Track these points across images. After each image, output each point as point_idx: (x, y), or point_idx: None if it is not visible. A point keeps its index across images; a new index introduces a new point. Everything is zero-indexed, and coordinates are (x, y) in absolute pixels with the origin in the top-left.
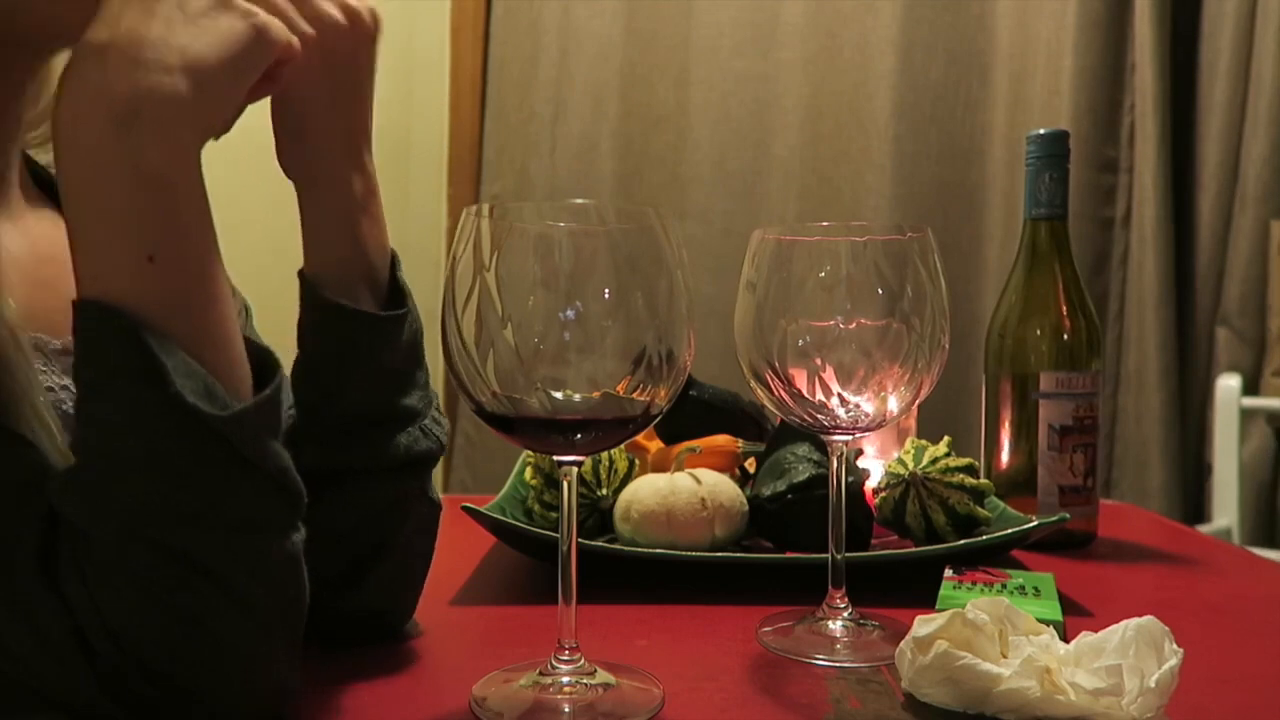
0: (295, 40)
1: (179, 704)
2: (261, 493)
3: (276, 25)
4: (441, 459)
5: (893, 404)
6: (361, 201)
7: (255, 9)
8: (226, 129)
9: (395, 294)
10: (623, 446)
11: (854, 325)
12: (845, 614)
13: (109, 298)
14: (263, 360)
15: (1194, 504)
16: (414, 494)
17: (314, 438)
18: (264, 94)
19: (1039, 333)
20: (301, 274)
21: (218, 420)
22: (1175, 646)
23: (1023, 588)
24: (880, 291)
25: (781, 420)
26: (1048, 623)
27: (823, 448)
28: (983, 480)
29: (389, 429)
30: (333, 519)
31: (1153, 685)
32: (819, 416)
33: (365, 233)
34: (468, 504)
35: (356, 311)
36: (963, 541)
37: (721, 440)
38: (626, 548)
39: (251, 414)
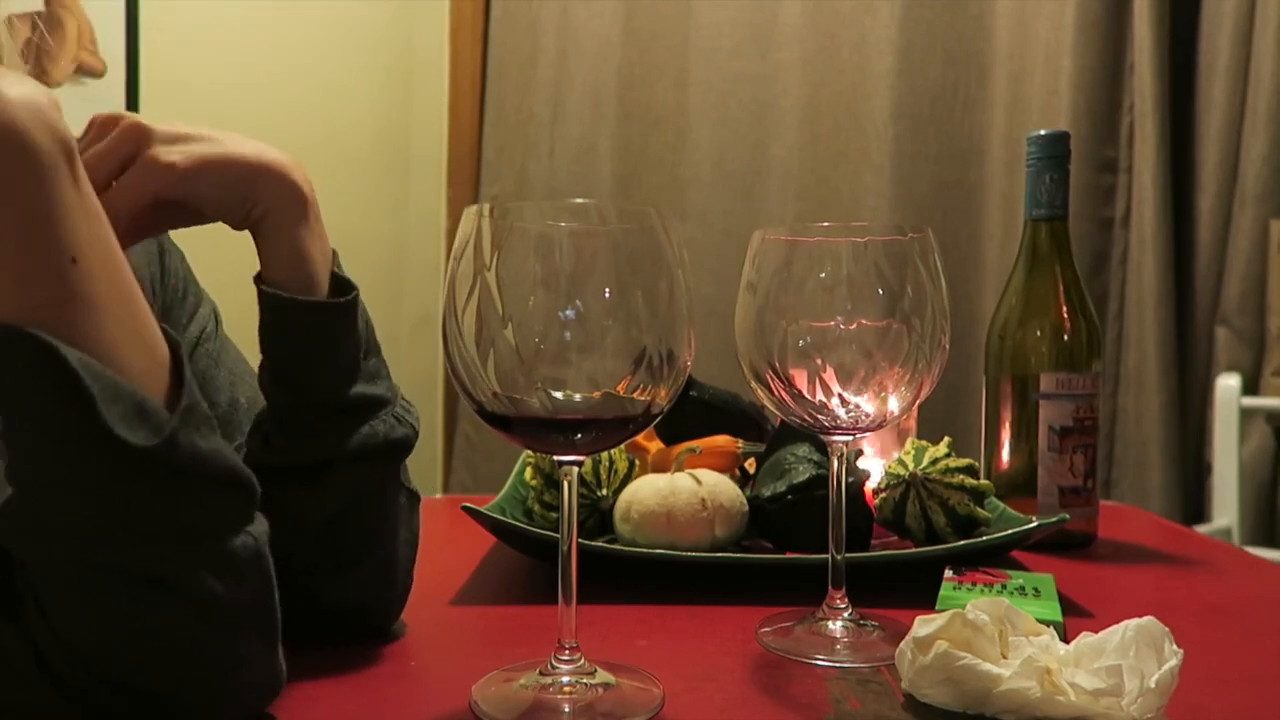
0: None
1: (153, 712)
2: (208, 498)
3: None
4: (441, 460)
5: (893, 404)
6: (294, 221)
7: None
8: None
9: (341, 286)
10: (623, 447)
11: (854, 326)
12: (845, 614)
13: (22, 318)
14: (168, 344)
15: (1194, 503)
16: (392, 482)
17: (289, 435)
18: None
19: (1039, 333)
20: (256, 279)
21: (149, 451)
22: (1175, 647)
23: (1023, 588)
24: (881, 292)
25: (782, 421)
26: (1048, 623)
27: (823, 448)
28: (983, 481)
29: (361, 416)
30: (315, 512)
31: (1153, 686)
32: (819, 417)
33: (306, 244)
34: (468, 504)
35: (310, 303)
36: (963, 542)
37: (721, 441)
38: (626, 548)
39: (181, 430)
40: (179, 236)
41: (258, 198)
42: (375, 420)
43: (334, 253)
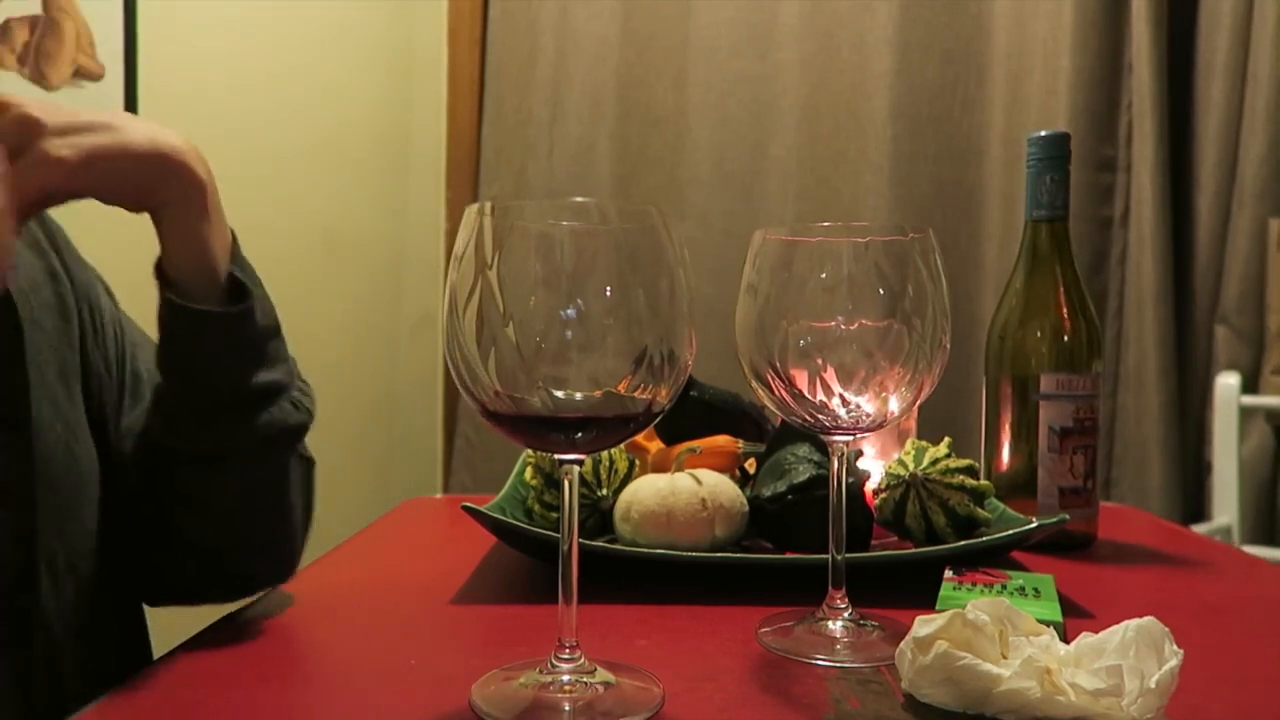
0: None
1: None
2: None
3: None
4: (441, 460)
5: (894, 404)
6: (192, 211)
7: None
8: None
9: (236, 288)
10: (623, 447)
11: (855, 326)
12: (845, 614)
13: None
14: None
15: (1194, 502)
16: (290, 461)
17: (186, 422)
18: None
19: (1039, 334)
20: (156, 269)
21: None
22: (1175, 647)
23: (1023, 589)
24: (881, 292)
25: (782, 421)
26: (1048, 624)
27: (823, 448)
28: (983, 481)
29: (259, 405)
30: (216, 494)
31: (1153, 686)
32: (820, 417)
33: (204, 234)
34: (468, 504)
35: (205, 313)
36: (963, 543)
37: (722, 441)
38: (627, 548)
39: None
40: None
41: (153, 189)
42: (274, 407)
43: (233, 236)
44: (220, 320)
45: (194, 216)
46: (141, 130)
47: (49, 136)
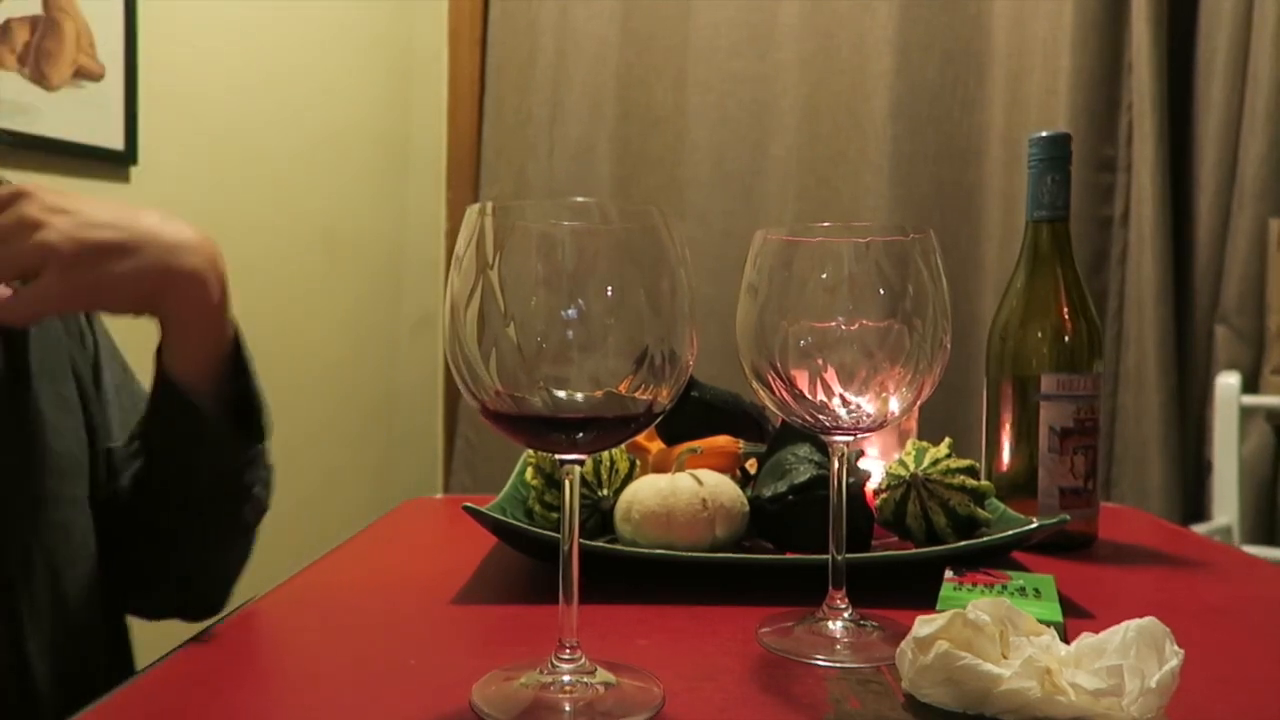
0: None
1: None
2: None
3: None
4: (441, 460)
5: (894, 405)
6: (200, 329)
7: None
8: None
9: (241, 398)
10: (624, 447)
11: (856, 326)
12: (845, 614)
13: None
14: None
15: (1194, 502)
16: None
17: (153, 485)
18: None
19: (1040, 334)
20: (158, 353)
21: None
22: (1176, 647)
23: (1023, 589)
24: (882, 292)
25: (783, 421)
26: (1048, 624)
27: (824, 449)
28: (983, 482)
29: (223, 507)
30: (169, 532)
31: (1153, 686)
32: (820, 417)
33: (208, 345)
34: (468, 504)
35: (203, 419)
36: (963, 543)
37: (722, 441)
38: (627, 548)
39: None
40: None
41: (163, 308)
42: (244, 507)
43: (237, 343)
44: (212, 425)
45: (201, 334)
46: (154, 253)
47: (61, 267)
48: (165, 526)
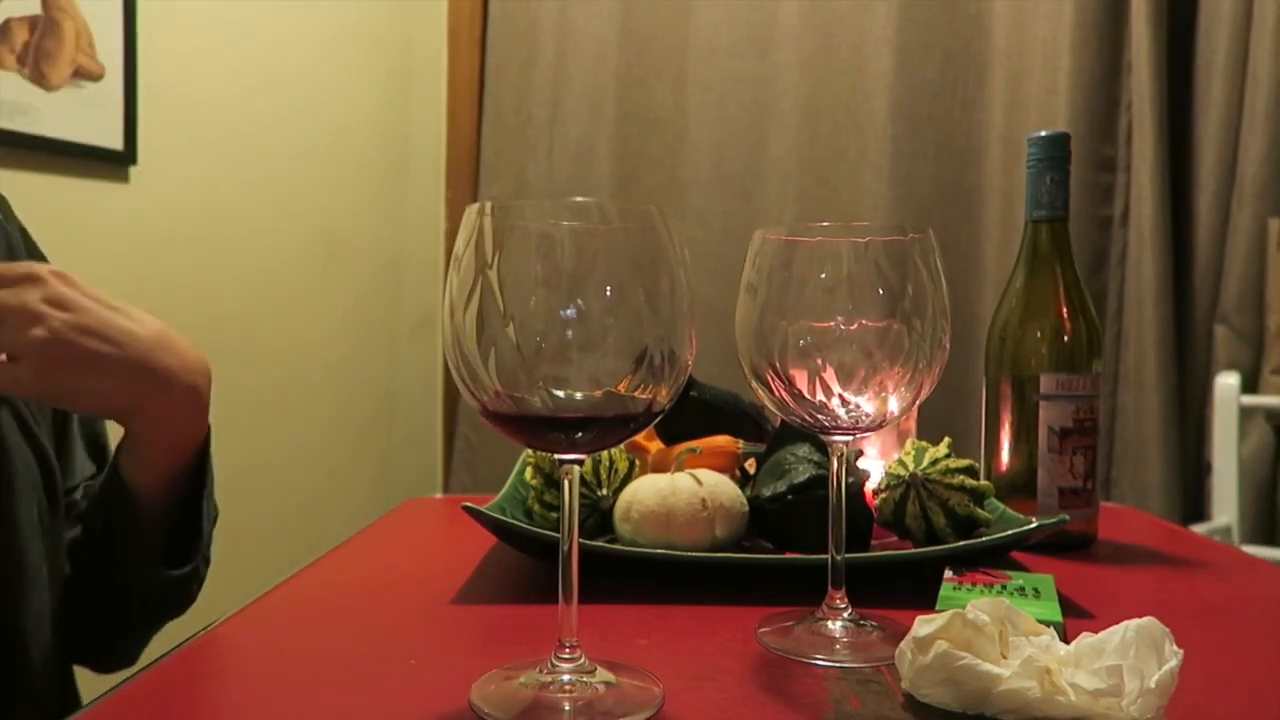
0: None
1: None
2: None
3: None
4: (441, 461)
5: (893, 404)
6: (153, 440)
7: None
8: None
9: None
10: (623, 447)
11: (855, 326)
12: (845, 614)
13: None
14: None
15: (1194, 502)
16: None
17: (82, 556)
18: None
19: (1039, 334)
20: (116, 454)
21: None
22: (1175, 647)
23: (1023, 589)
24: (881, 292)
25: (782, 421)
26: (1048, 624)
27: (823, 448)
28: (983, 482)
29: (160, 590)
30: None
31: (1153, 686)
32: (819, 417)
33: (180, 456)
34: (468, 504)
35: (140, 528)
36: (963, 543)
37: (722, 441)
38: (626, 548)
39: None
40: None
41: (131, 425)
42: (186, 587)
43: (205, 444)
44: (146, 534)
45: (162, 452)
46: (137, 378)
47: (39, 369)
48: (91, 591)
